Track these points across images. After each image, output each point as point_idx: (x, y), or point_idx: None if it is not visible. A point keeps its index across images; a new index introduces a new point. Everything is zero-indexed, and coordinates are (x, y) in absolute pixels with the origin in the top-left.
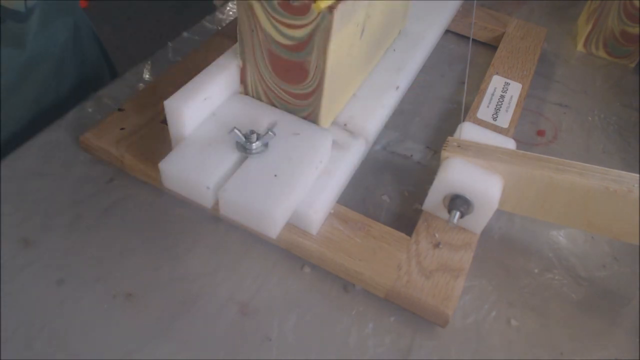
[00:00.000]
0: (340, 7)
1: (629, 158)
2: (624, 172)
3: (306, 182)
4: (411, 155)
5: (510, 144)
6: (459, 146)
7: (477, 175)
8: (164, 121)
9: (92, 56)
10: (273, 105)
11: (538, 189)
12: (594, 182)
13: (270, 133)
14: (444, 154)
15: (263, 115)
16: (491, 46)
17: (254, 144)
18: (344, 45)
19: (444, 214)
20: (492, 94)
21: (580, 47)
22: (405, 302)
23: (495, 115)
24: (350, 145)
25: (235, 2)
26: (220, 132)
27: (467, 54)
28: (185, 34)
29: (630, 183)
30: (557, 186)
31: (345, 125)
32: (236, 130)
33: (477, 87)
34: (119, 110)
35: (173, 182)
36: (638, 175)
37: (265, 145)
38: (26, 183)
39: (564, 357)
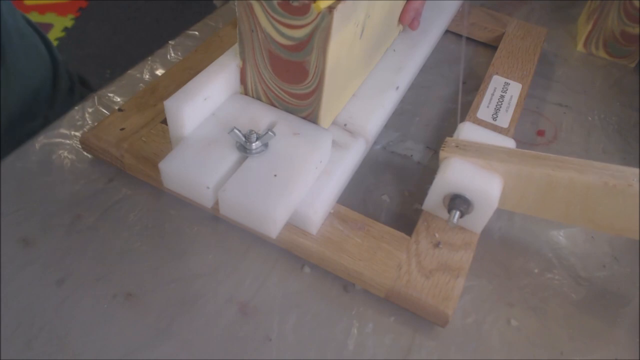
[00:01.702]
0: (340, 7)
1: (629, 158)
2: (622, 167)
3: (306, 182)
4: (411, 155)
5: (510, 143)
6: (457, 146)
7: (477, 175)
8: (164, 121)
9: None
10: (273, 105)
11: (538, 187)
12: (593, 178)
13: (270, 133)
14: (442, 154)
15: (263, 115)
16: (491, 46)
17: (253, 144)
18: (343, 45)
19: (444, 213)
20: (492, 94)
21: (580, 47)
22: (405, 302)
23: (495, 115)
24: (350, 145)
25: (235, 2)
26: (220, 132)
27: (467, 54)
28: (185, 34)
29: (629, 177)
30: (557, 184)
31: (345, 125)
32: (236, 130)
33: (477, 87)
34: (119, 110)
35: (173, 182)
36: (637, 169)
37: (265, 145)
38: (26, 183)
39: (564, 357)
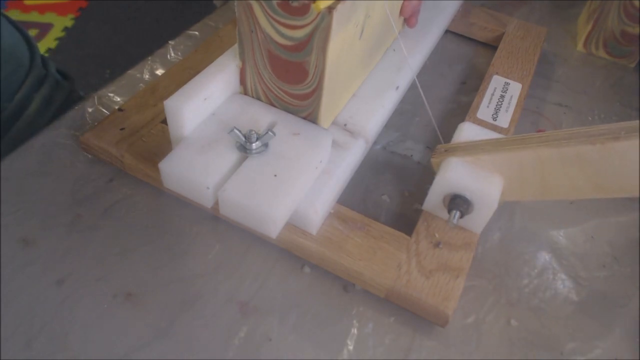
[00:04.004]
0: (340, 7)
1: None
2: (607, 124)
3: (306, 182)
4: (411, 155)
5: None
6: (446, 151)
7: (477, 175)
8: (164, 121)
9: None
10: (273, 105)
11: (533, 169)
12: (580, 143)
13: (270, 133)
14: (433, 161)
15: (263, 115)
16: (491, 46)
17: (253, 144)
18: (343, 45)
19: (444, 213)
20: (492, 94)
21: (580, 47)
22: (405, 302)
23: (495, 115)
24: (350, 145)
25: (235, 2)
26: (220, 132)
27: (467, 54)
28: (185, 34)
29: (615, 132)
30: (548, 160)
31: (345, 125)
32: (236, 130)
33: (477, 87)
34: (119, 110)
35: (173, 182)
36: (624, 123)
37: (265, 145)
38: (26, 183)
39: (564, 357)
